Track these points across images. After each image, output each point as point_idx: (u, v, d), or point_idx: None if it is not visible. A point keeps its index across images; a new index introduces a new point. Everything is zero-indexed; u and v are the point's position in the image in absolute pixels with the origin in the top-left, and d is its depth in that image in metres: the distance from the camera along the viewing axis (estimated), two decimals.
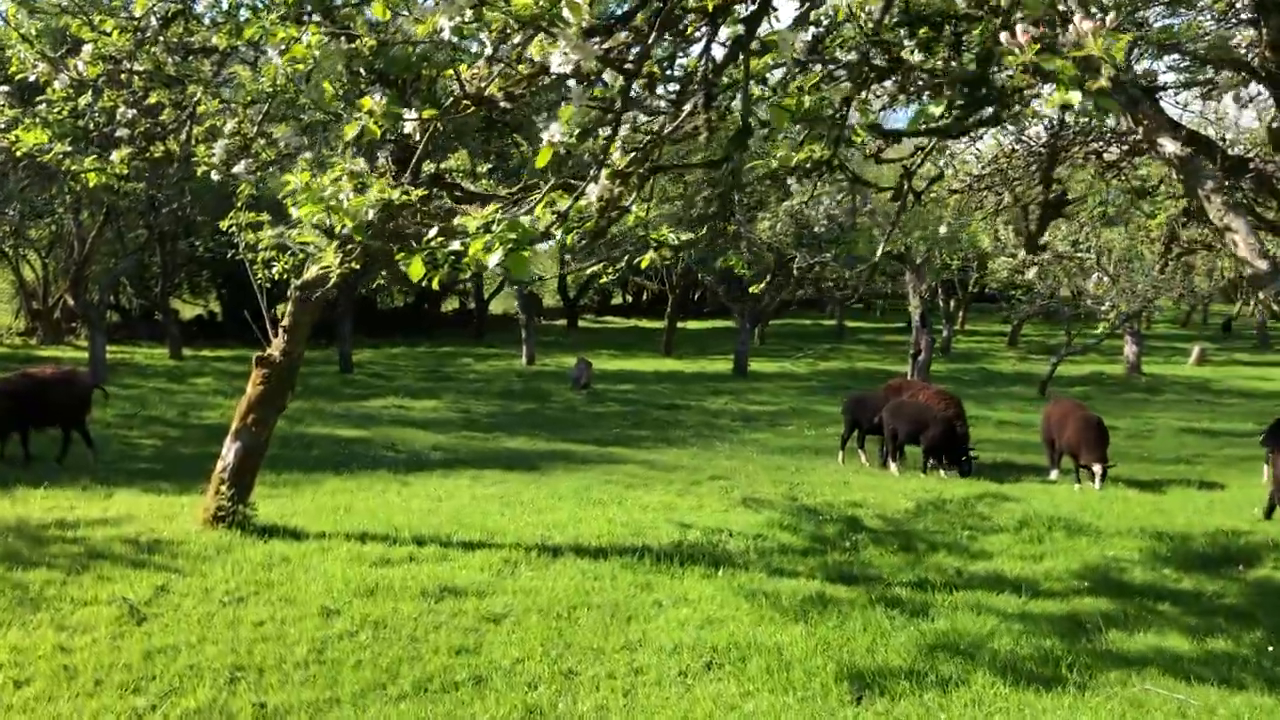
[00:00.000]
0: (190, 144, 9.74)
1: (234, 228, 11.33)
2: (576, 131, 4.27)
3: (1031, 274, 21.03)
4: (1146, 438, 21.20)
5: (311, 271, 10.64)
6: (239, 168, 8.47)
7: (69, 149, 8.63)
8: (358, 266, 6.04)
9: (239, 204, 10.99)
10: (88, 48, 8.21)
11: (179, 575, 8.99)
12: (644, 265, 8.05)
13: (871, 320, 61.05)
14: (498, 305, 57.31)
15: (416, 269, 4.17)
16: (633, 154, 5.50)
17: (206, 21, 9.46)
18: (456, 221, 4.36)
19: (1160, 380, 32.78)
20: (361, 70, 8.84)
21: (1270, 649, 7.86)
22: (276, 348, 10.78)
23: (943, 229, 18.56)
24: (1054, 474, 15.72)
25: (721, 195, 16.82)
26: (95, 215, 27.90)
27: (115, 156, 9.34)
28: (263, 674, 6.99)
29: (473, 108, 5.96)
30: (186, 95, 9.59)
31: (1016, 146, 10.70)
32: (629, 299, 70.31)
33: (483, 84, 5.40)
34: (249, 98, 8.74)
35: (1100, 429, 14.80)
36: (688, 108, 5.61)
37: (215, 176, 9.84)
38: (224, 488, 10.55)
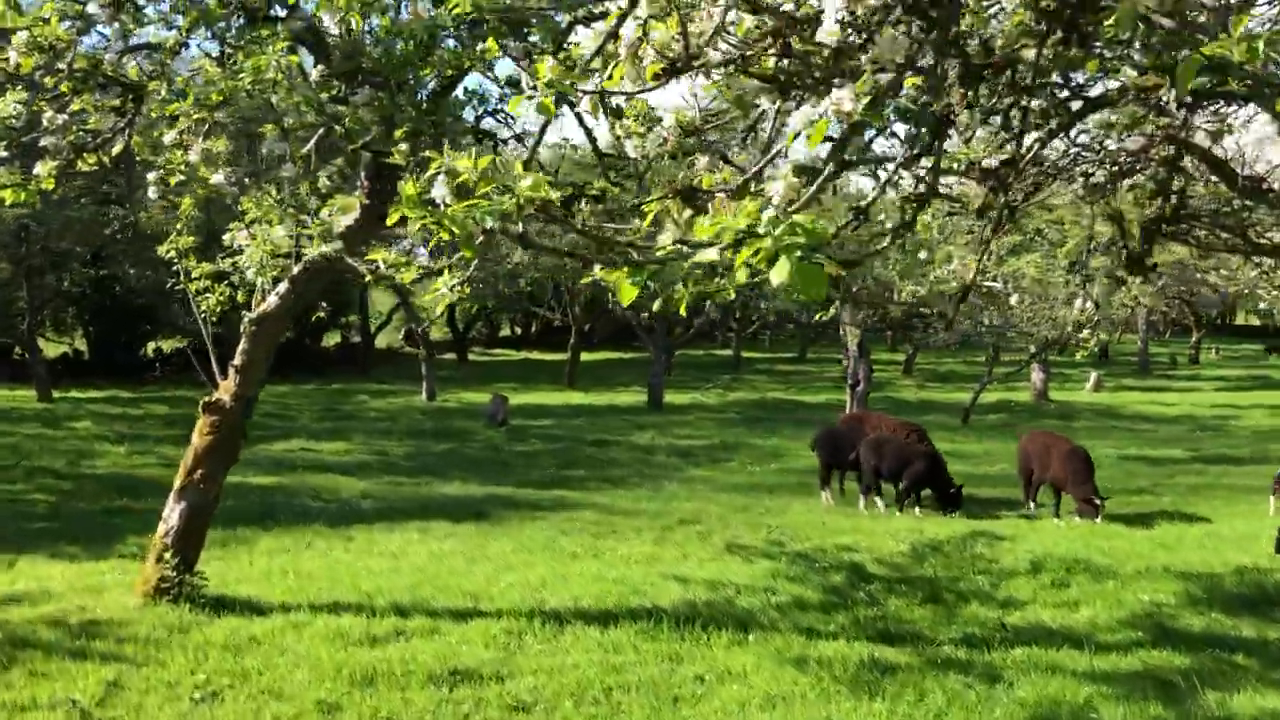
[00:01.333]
0: (131, 153, 8.30)
1: (172, 253, 9.89)
2: (866, 100, 3.19)
3: (1014, 300, 20.58)
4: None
5: (269, 303, 9.26)
6: (218, 178, 7.11)
7: None
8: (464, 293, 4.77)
9: (180, 227, 9.57)
10: (22, 34, 6.82)
11: (131, 666, 7.51)
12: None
13: (762, 350, 61.07)
14: (382, 340, 55.26)
15: (628, 292, 3.03)
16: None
17: (152, 14, 8.06)
18: (659, 232, 3.25)
19: (1068, 407, 33.08)
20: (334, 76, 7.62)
21: None
22: (226, 391, 9.32)
23: (923, 254, 17.97)
24: (1031, 507, 15.14)
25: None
26: None
27: (41, 169, 7.84)
28: None
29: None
30: (127, 100, 8.18)
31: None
32: (518, 330, 68.85)
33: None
34: (218, 97, 7.37)
35: (1087, 460, 14.28)
36: None
37: (152, 194, 8.47)
38: (168, 555, 9.04)
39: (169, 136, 8.67)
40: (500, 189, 3.68)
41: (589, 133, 7.90)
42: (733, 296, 2.74)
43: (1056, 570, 11.04)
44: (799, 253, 2.72)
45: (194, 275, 10.37)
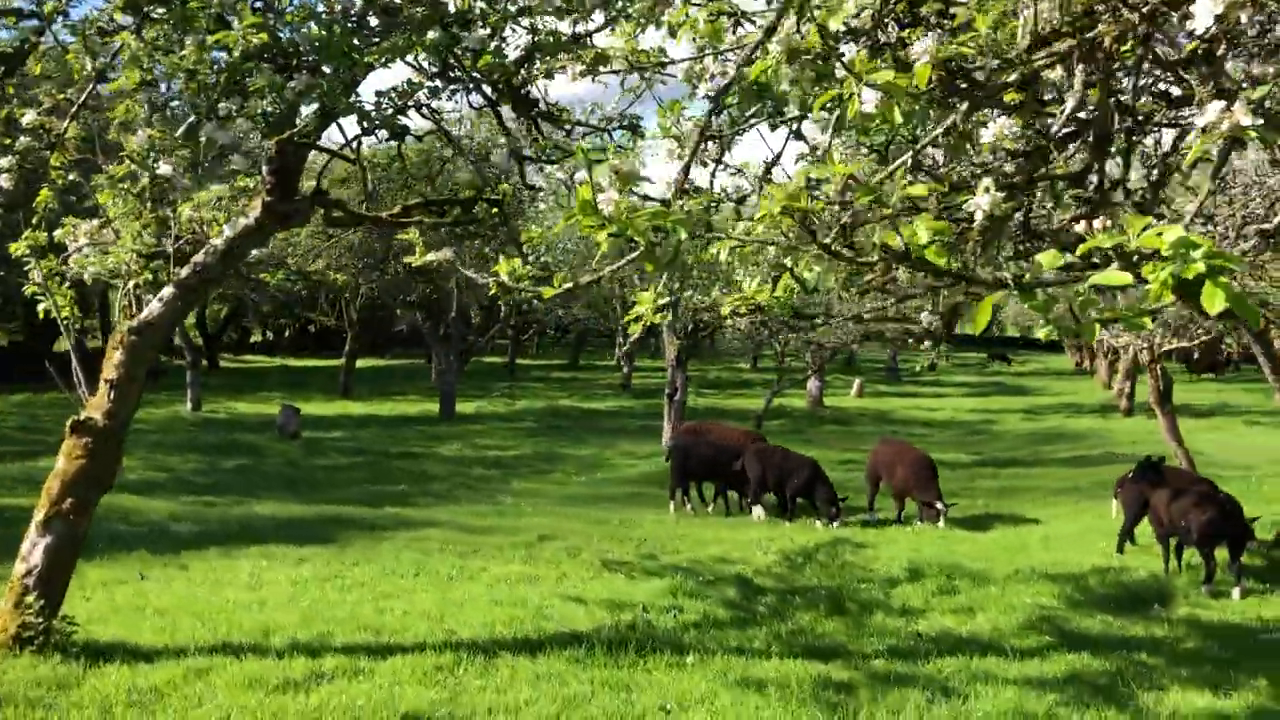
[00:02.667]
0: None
1: (22, 252, 8.60)
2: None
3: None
4: None
5: (152, 310, 8.22)
6: (165, 169, 6.17)
7: None
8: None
9: (37, 222, 8.31)
10: None
11: None
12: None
13: (532, 356, 60.90)
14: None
15: (984, 316, 2.74)
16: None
17: None
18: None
19: (842, 413, 34.63)
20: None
21: None
22: (98, 408, 8.18)
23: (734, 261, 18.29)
24: (872, 514, 15.61)
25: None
26: None
27: None
28: None
29: None
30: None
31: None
32: (269, 336, 65.52)
33: None
34: (134, 79, 6.39)
35: (932, 467, 14.87)
36: None
37: (4, 182, 7.38)
38: (30, 598, 7.82)
39: (28, 116, 7.61)
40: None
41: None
42: (1150, 326, 2.46)
43: (937, 576, 11.39)
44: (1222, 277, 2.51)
45: (35, 277, 9.05)
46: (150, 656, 8.01)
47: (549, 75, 8.62)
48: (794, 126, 6.17)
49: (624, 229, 3.45)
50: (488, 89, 8.48)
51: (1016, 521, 15.07)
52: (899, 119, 2.98)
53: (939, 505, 14.28)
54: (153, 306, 8.23)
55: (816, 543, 13.34)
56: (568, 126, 9.17)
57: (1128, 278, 2.49)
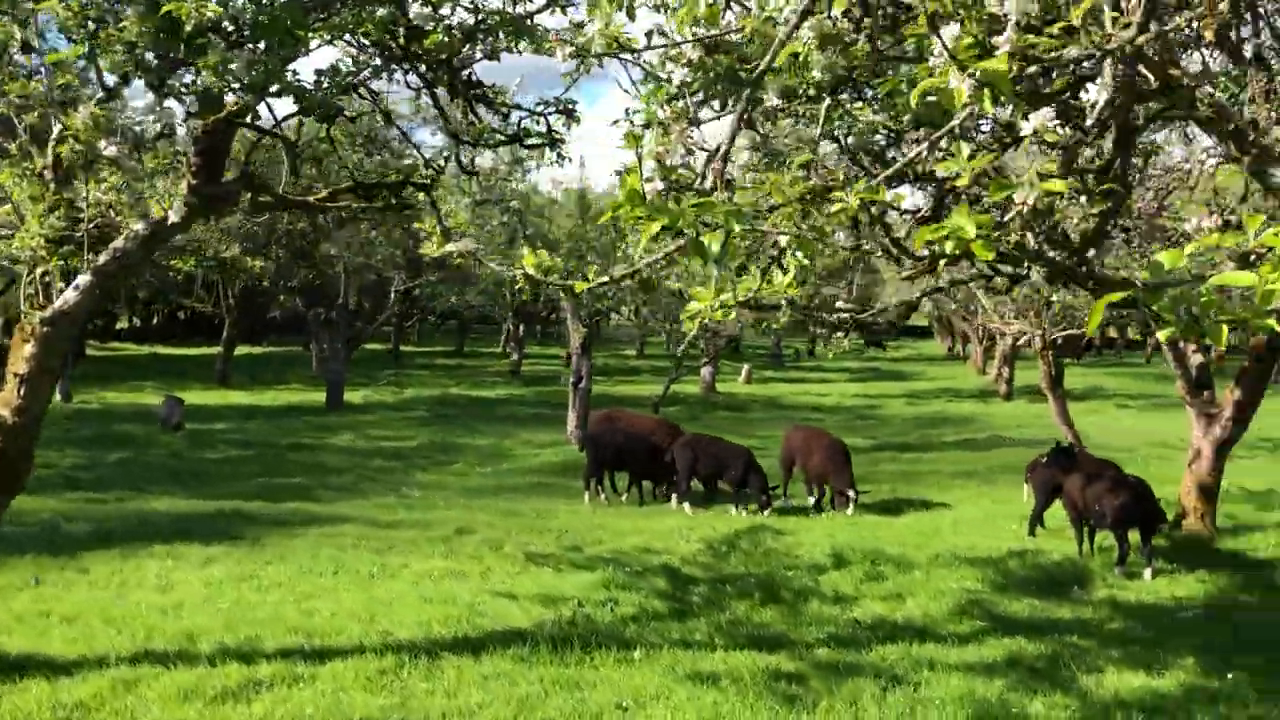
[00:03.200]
0: None
1: None
2: None
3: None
4: None
5: (66, 299, 7.69)
6: (109, 149, 5.73)
7: None
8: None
9: None
10: None
11: None
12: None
13: (414, 344, 59.87)
14: None
15: (1097, 314, 2.67)
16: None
17: None
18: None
19: (734, 399, 34.94)
20: None
21: (1229, 675, 8.07)
22: (6, 404, 7.62)
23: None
24: (786, 499, 15.70)
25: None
26: None
27: None
28: None
29: None
30: None
31: None
32: (137, 322, 62.86)
33: None
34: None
35: (846, 454, 15.05)
36: None
37: None
38: None
39: None
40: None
41: None
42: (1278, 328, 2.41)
43: (862, 562, 11.52)
44: None
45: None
46: (68, 669, 7.53)
47: (492, 56, 8.38)
48: (749, 113, 6.04)
49: (673, 221, 3.30)
50: (424, 69, 8.21)
51: (925, 506, 15.36)
52: (989, 108, 2.89)
53: (850, 492, 14.47)
54: (67, 295, 7.69)
55: (736, 530, 13.36)
56: (504, 110, 8.94)
57: (1250, 278, 2.45)
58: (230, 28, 6.14)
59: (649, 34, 5.72)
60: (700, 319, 3.48)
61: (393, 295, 31.73)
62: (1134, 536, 11.16)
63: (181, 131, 8.01)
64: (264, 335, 56.52)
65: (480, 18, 7.96)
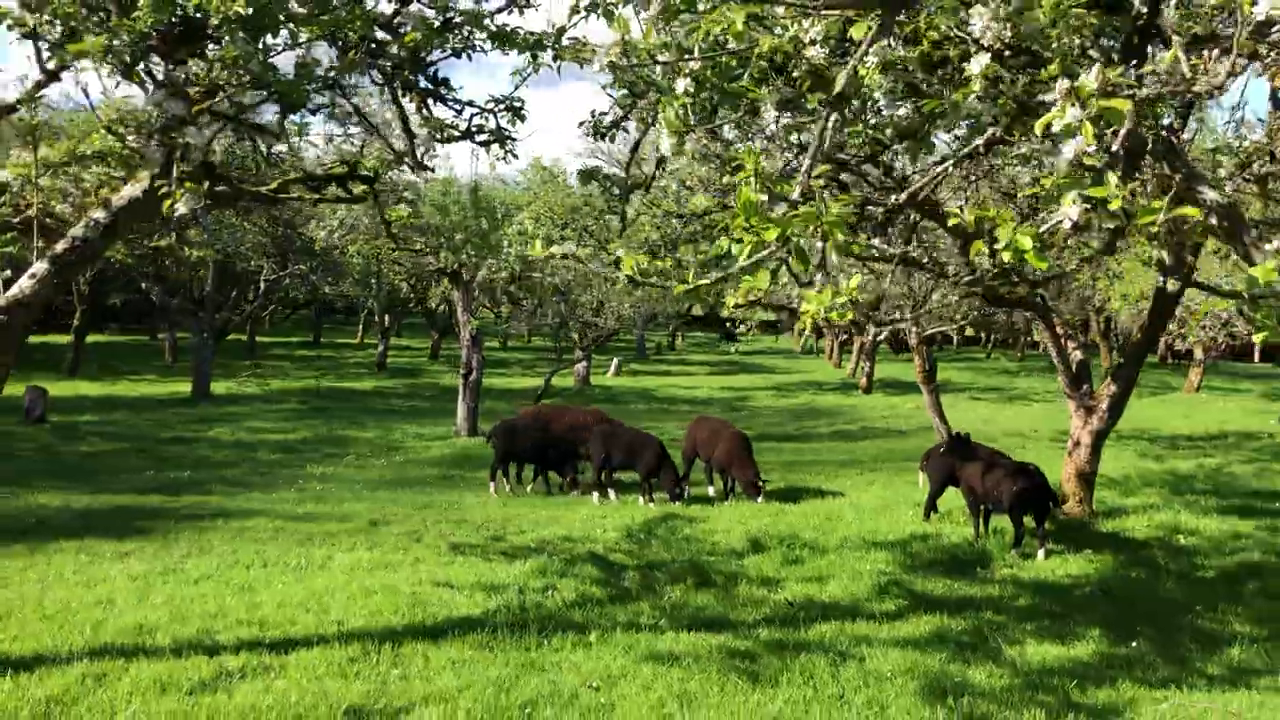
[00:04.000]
0: None
1: None
2: None
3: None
4: None
5: (21, 286, 7.53)
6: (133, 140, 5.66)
7: None
8: None
9: None
10: None
11: None
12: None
13: (267, 334, 58.22)
14: None
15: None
16: None
17: None
18: None
19: (608, 391, 35.31)
20: None
21: (1134, 643, 8.88)
22: None
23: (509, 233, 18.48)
24: (684, 488, 16.11)
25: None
26: None
27: None
28: None
29: None
30: None
31: None
32: None
33: None
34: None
35: (748, 444, 15.58)
36: None
37: None
38: None
39: None
40: None
41: None
42: None
43: (778, 547, 12.06)
44: None
45: None
46: (27, 665, 7.38)
47: (460, 53, 8.55)
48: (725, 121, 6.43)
49: (784, 230, 3.62)
50: (387, 66, 8.30)
51: (820, 494, 16.02)
52: (1090, 136, 3.32)
53: (759, 482, 15.02)
54: (23, 284, 7.52)
55: (649, 519, 13.74)
56: (458, 106, 9.09)
57: None
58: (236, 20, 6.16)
59: (665, 46, 6.02)
60: (814, 318, 3.78)
61: (263, 285, 30.94)
62: (1027, 521, 12.01)
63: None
64: (106, 323, 54.08)
65: (449, 15, 8.13)
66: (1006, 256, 3.94)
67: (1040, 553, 11.84)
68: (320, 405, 29.01)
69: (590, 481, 15.61)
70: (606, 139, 8.55)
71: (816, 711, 7.17)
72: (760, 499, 15.01)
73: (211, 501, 14.76)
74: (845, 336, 51.23)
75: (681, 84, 5.69)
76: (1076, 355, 13.79)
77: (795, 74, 5.66)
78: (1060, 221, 4.15)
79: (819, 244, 3.67)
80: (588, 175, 8.52)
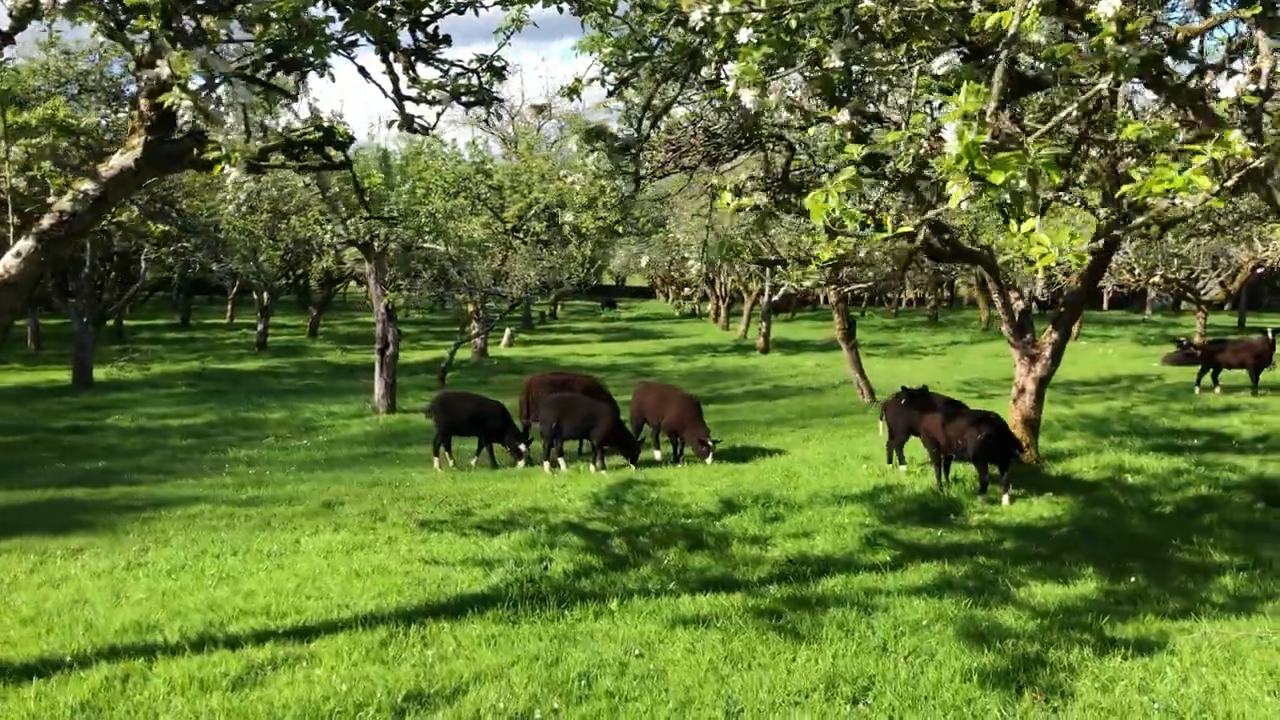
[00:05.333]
0: None
1: None
2: None
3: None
4: None
5: (5, 264, 6.93)
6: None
7: None
8: None
9: None
10: None
11: None
12: None
13: (137, 318, 55.58)
14: None
15: None
16: None
17: None
18: None
19: (507, 362, 34.83)
20: None
21: (1132, 579, 9.20)
22: None
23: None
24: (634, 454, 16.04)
25: None
26: None
27: None
28: None
29: None
30: None
31: None
32: None
33: None
34: None
35: (698, 406, 15.59)
36: None
37: None
38: None
39: None
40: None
41: None
42: None
43: (753, 506, 12.09)
44: None
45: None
46: (36, 671, 6.86)
47: (463, 9, 8.23)
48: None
49: (1012, 172, 3.54)
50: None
51: (766, 453, 16.14)
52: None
53: (709, 441, 15.05)
54: (7, 262, 6.92)
55: (610, 485, 13.61)
56: (443, 66, 8.74)
57: None
58: None
59: None
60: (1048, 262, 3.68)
61: (144, 264, 29.40)
62: (991, 468, 12.33)
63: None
64: None
65: None
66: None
67: (1005, 498, 12.17)
68: (211, 388, 27.81)
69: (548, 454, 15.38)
70: (615, 97, 8.33)
71: (869, 663, 7.20)
72: (710, 459, 15.05)
73: (140, 491, 14.00)
74: (730, 300, 51.84)
75: (744, 34, 5.56)
76: (1019, 305, 14.18)
77: (878, 24, 5.58)
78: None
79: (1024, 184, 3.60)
80: (594, 134, 8.26)
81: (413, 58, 8.53)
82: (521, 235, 28.63)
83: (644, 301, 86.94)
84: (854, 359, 21.23)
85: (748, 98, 5.42)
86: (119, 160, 7.11)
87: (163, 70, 4.95)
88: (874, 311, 61.41)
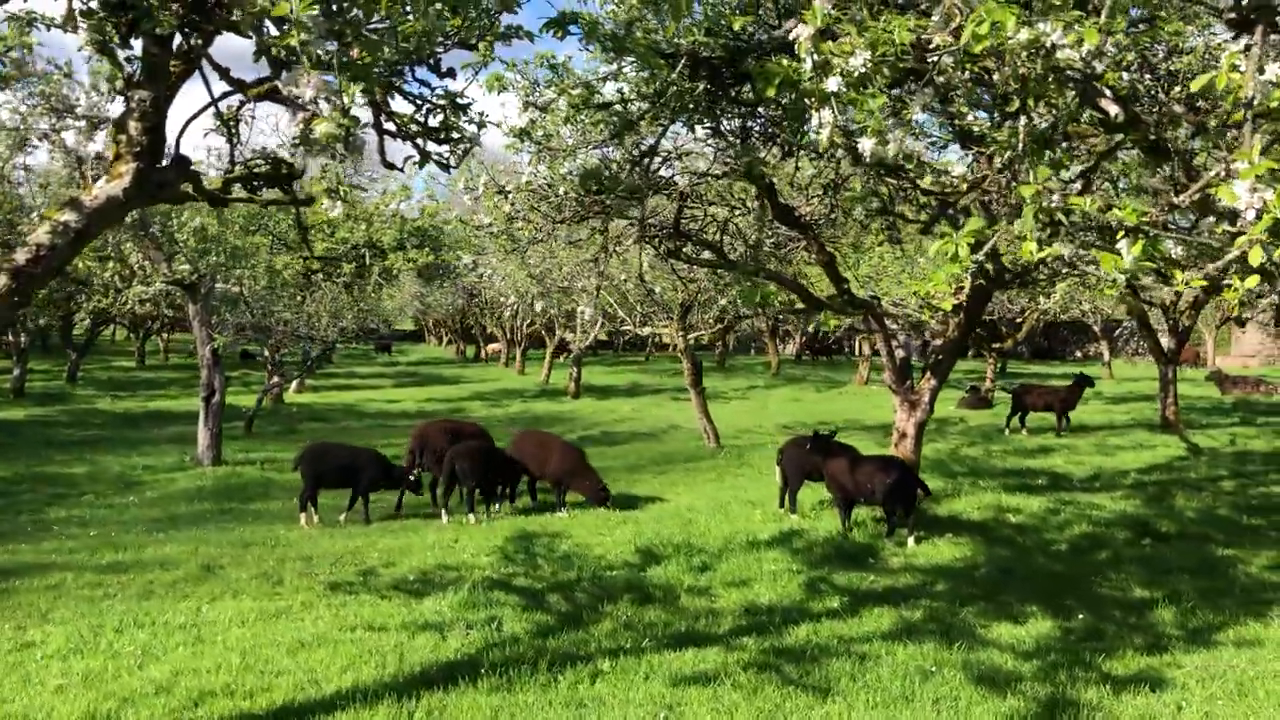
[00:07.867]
0: None
1: None
2: None
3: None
4: None
5: None
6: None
7: None
8: None
9: None
10: None
11: None
12: None
13: None
14: None
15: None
16: None
17: None
18: None
19: (308, 409, 33.07)
20: None
21: (1079, 615, 9.61)
22: None
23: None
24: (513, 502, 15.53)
25: None
26: None
27: None
28: None
29: None
30: None
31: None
32: None
33: None
34: None
35: (583, 455, 15.31)
36: None
37: None
38: None
39: None
40: None
41: None
42: None
43: (675, 555, 11.90)
44: None
45: None
46: None
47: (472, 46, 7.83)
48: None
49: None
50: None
51: (648, 500, 15.93)
52: None
53: (603, 488, 14.81)
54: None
55: (507, 538, 13.08)
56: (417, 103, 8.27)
57: None
58: None
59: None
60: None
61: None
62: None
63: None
64: None
65: None
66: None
67: (910, 540, 12.50)
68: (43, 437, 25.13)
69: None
70: (618, 141, 8.08)
71: (903, 714, 7.19)
72: (610, 504, 14.87)
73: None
74: (526, 343, 51.45)
75: (834, 83, 5.51)
76: (900, 354, 14.71)
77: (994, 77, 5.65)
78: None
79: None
80: (591, 175, 7.98)
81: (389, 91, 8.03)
82: (325, 275, 27.58)
83: (415, 345, 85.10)
84: (701, 404, 21.45)
85: (866, 147, 5.39)
86: (105, 189, 6.26)
87: (305, 92, 4.35)
88: (660, 356, 62.46)
